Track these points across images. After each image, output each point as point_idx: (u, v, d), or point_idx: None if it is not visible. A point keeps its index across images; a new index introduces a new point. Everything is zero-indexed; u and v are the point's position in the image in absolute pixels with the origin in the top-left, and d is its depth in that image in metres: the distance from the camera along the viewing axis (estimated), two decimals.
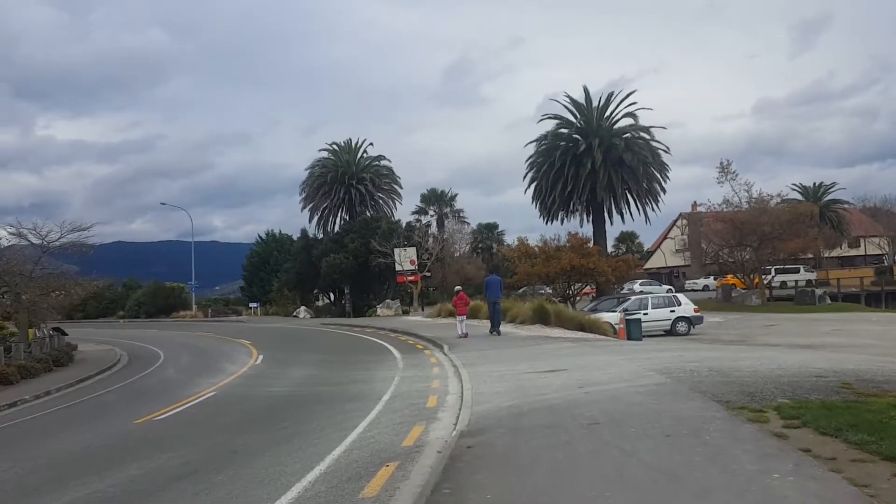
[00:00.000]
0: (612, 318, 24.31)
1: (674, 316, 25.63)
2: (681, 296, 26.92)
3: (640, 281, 59.22)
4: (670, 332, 25.50)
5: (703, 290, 58.37)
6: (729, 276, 53.77)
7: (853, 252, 73.43)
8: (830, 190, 72.27)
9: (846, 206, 71.31)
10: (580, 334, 20.07)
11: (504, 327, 23.78)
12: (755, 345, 21.27)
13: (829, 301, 42.72)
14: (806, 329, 27.47)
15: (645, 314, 24.86)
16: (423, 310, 41.57)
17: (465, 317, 22.35)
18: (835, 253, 67.21)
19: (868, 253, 74.23)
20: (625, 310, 24.39)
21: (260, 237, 76.00)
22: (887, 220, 70.47)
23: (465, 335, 21.13)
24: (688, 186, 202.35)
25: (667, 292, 49.45)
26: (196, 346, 29.15)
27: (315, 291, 62.00)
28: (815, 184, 73.78)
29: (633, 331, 20.85)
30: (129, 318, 62.67)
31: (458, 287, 25.23)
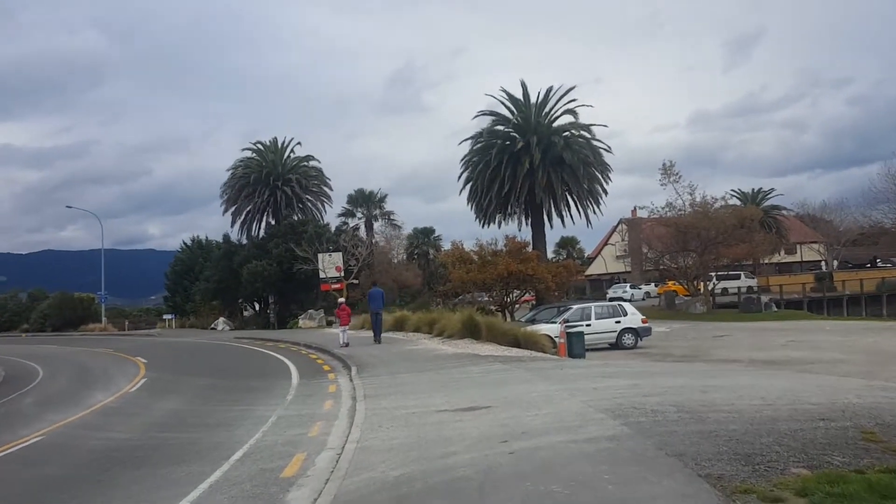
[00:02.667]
0: (551, 329, 21.56)
1: (619, 327, 23.03)
2: (627, 305, 24.37)
3: (629, 284, 57.25)
4: (616, 345, 22.91)
5: (643, 298, 56.77)
6: (670, 283, 52.33)
7: (790, 258, 73.30)
8: (769, 196, 72.10)
9: (784, 211, 71.14)
10: (515, 351, 17.18)
11: (430, 342, 21.00)
12: (711, 360, 18.81)
13: (775, 308, 41.18)
14: (760, 340, 25.35)
15: (588, 325, 22.19)
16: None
17: (346, 327, 23.62)
18: (773, 259, 66.72)
19: (804, 259, 74.27)
20: (565, 321, 21.66)
21: (185, 244, 70.84)
22: (825, 226, 70.48)
23: (347, 344, 22.13)
24: (625, 195, 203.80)
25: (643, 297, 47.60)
26: (85, 365, 25.65)
27: (240, 301, 57.98)
28: (753, 189, 73.65)
29: (574, 346, 18.09)
30: (34, 332, 57.33)
31: (340, 300, 26.54)
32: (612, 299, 47.11)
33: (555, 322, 22.61)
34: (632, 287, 54.94)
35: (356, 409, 10.58)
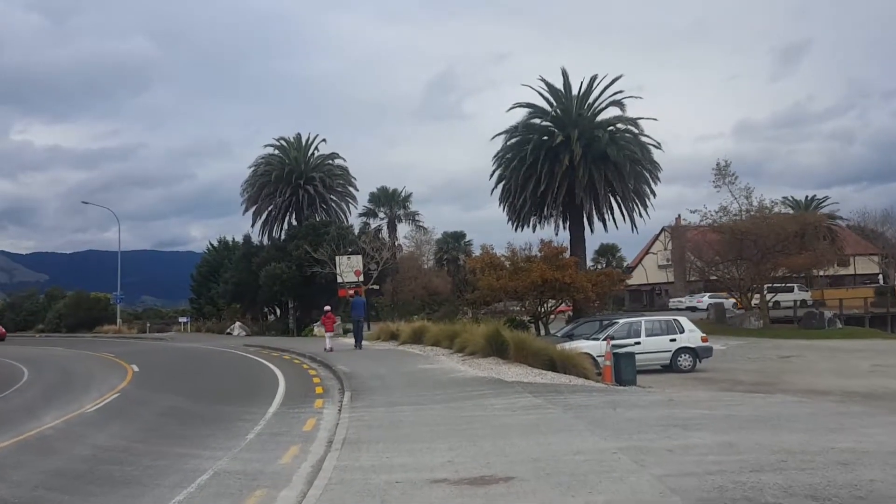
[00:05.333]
0: (592, 347, 18.20)
1: (675, 346, 19.44)
2: (684, 320, 20.67)
3: (708, 294, 49.82)
4: (670, 366, 19.36)
5: (687, 309, 52.56)
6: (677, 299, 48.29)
7: (843, 271, 68.53)
8: (822, 204, 67.71)
9: (838, 221, 66.55)
10: (549, 376, 13.81)
11: (449, 360, 17.80)
12: (794, 391, 15.21)
13: (839, 325, 36.97)
14: (838, 364, 21.60)
15: (637, 343, 18.69)
16: (368, 328, 35.08)
17: (332, 333, 25.51)
18: (827, 271, 62.19)
19: (858, 272, 69.47)
20: (610, 337, 18.24)
21: (211, 245, 68.57)
22: (879, 238, 65.89)
23: (331, 349, 23.23)
24: (668, 205, 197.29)
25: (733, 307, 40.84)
26: (73, 372, 23.25)
27: (261, 305, 55.42)
28: (807, 197, 69.45)
29: (624, 369, 14.69)
30: (48, 332, 55.51)
31: (326, 307, 27.04)
32: (689, 309, 42.52)
33: (597, 338, 19.22)
34: (711, 297, 47.62)
35: (323, 465, 7.39)
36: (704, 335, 20.14)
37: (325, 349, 23.22)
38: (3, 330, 46.00)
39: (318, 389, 14.63)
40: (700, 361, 19.55)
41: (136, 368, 22.99)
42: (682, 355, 19.39)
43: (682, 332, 19.74)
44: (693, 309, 45.56)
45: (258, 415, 11.76)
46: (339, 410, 11.35)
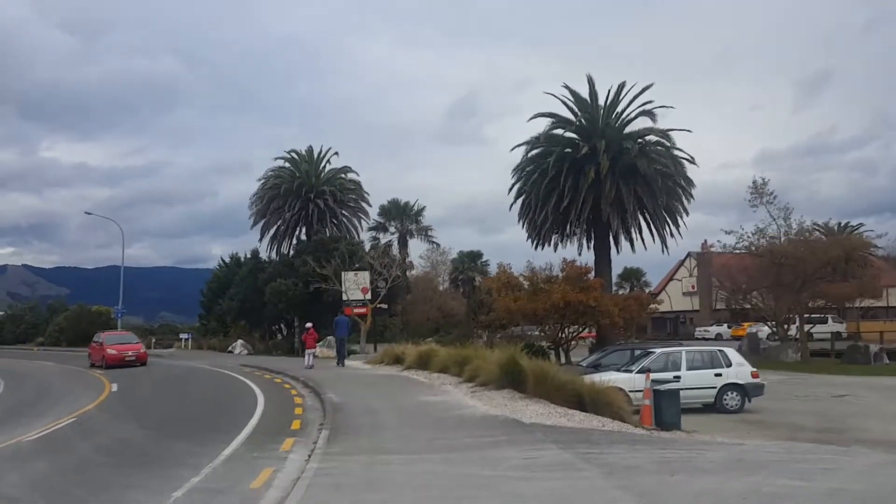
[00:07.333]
0: (625, 381, 15.62)
1: (721, 382, 16.68)
2: (732, 352, 17.88)
3: (768, 324, 40.42)
4: (715, 405, 16.63)
5: (715, 338, 49.59)
6: (746, 325, 45.37)
7: (875, 303, 65.14)
8: (855, 231, 64.51)
9: (874, 250, 63.26)
10: (577, 418, 11.22)
11: (456, 391, 15.30)
12: (874, 442, 12.44)
13: (886, 360, 33.85)
14: None
15: (676, 378, 16.02)
16: (374, 350, 32.61)
17: (314, 350, 26.20)
18: (862, 303, 58.95)
19: (890, 304, 66.05)
20: (646, 370, 15.61)
21: (222, 261, 66.48)
22: None
23: (312, 366, 24.26)
24: (689, 232, 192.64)
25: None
26: (48, 389, 22.10)
27: (271, 324, 53.17)
28: (840, 223, 66.13)
29: (666, 410, 12.08)
30: (48, 346, 53.68)
31: (308, 325, 27.49)
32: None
33: (630, 370, 16.60)
34: (771, 327, 38.94)
35: None
36: (755, 370, 17.33)
37: (306, 366, 24.43)
38: (145, 353, 32.61)
39: (295, 424, 12.12)
40: (749, 401, 16.77)
41: (114, 388, 21.24)
42: (729, 393, 16.62)
43: (730, 365, 16.96)
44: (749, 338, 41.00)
45: (207, 458, 9.29)
46: (308, 457, 8.86)
